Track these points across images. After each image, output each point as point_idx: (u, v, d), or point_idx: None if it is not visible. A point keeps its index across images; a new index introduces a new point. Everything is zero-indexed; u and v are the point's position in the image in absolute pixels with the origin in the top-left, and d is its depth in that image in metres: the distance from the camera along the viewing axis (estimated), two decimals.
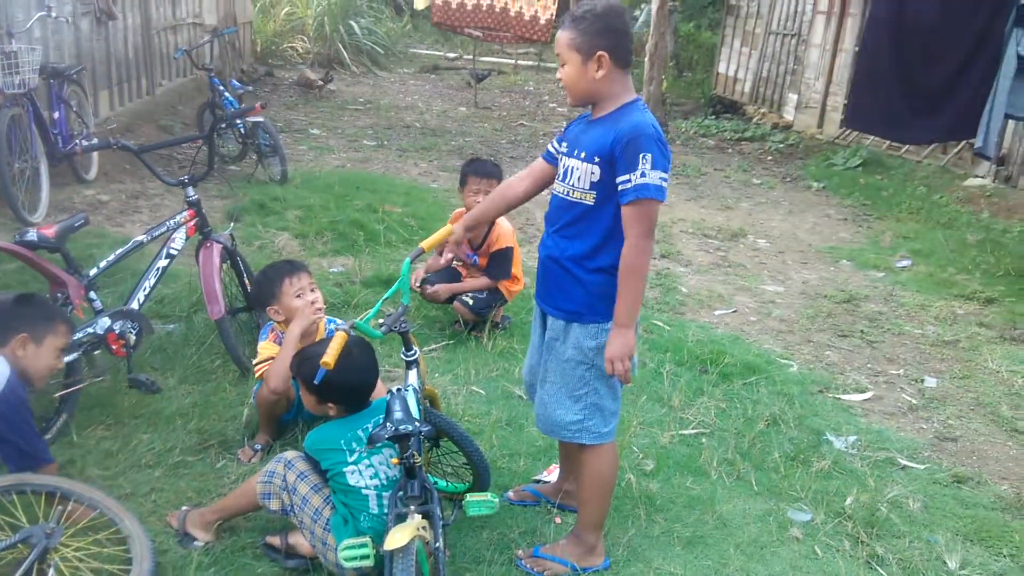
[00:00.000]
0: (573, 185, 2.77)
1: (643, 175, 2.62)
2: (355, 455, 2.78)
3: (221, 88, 8.05)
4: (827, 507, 3.50)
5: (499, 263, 4.82)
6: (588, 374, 2.83)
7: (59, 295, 3.47)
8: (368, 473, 2.78)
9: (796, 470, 3.76)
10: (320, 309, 3.54)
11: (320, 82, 12.68)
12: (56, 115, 6.39)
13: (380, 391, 3.22)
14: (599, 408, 2.88)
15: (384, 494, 2.76)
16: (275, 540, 2.90)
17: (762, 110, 13.20)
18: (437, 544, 2.51)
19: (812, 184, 9.50)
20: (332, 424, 2.89)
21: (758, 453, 3.87)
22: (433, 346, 4.66)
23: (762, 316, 5.66)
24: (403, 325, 2.94)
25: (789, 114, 12.51)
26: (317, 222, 6.31)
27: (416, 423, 2.52)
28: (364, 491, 2.76)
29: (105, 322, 3.56)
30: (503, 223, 4.88)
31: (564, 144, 2.87)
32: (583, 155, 2.74)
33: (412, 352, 3.01)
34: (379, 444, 2.55)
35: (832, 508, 3.49)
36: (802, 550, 3.25)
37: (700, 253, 6.93)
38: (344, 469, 2.77)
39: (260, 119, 7.16)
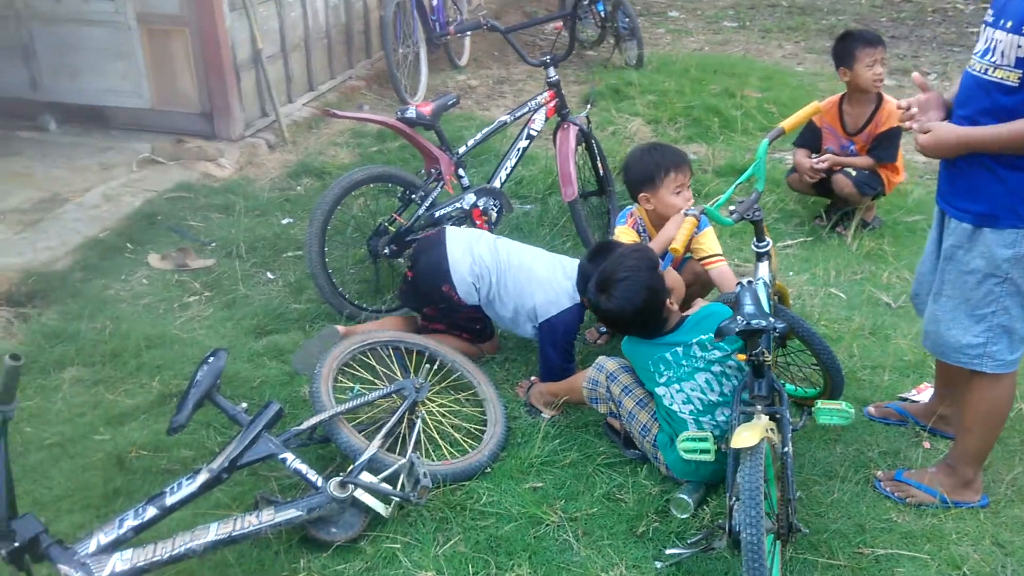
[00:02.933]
0: (994, 62, 2.28)
1: None
2: (664, 378, 2.65)
3: None
4: None
5: (885, 144, 4.30)
6: (998, 289, 2.38)
7: (432, 170, 3.72)
8: (680, 398, 2.64)
9: None
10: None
11: None
12: (435, 2, 6.81)
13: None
14: (1007, 331, 2.43)
15: (703, 419, 2.61)
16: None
17: None
18: (786, 448, 2.34)
19: None
20: (641, 341, 2.75)
21: None
22: (789, 242, 4.34)
23: None
24: (756, 213, 2.71)
25: None
26: (671, 107, 6.11)
27: (769, 319, 2.33)
28: (680, 415, 2.64)
29: (471, 198, 3.76)
30: (891, 101, 4.31)
31: (990, 12, 2.36)
32: (1010, 24, 2.23)
33: (764, 243, 2.78)
34: (727, 337, 2.41)
35: None
36: None
37: None
38: (655, 389, 2.67)
39: None
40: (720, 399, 2.62)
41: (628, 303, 2.66)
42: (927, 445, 2.91)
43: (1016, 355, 2.46)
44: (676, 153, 3.40)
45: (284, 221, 4.40)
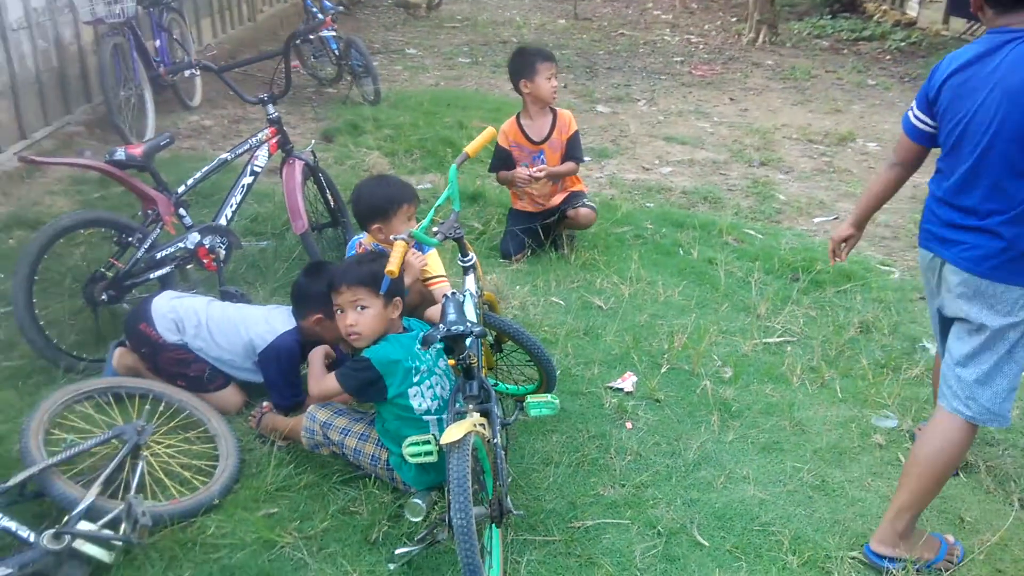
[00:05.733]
0: None
1: None
2: (419, 375, 2.78)
3: (314, 9, 8.11)
4: (916, 415, 3.36)
5: (577, 146, 4.70)
6: None
7: (150, 212, 3.65)
8: (429, 395, 2.78)
9: (885, 377, 3.61)
10: None
11: (423, 4, 12.67)
12: (157, 43, 6.62)
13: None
14: None
15: (444, 416, 2.77)
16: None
17: (883, 7, 12.30)
18: (495, 440, 2.56)
19: None
20: (393, 342, 2.83)
21: (846, 361, 3.73)
22: (516, 256, 4.66)
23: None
24: (457, 231, 2.95)
25: (912, 10, 11.61)
26: (406, 140, 6.36)
27: (468, 324, 2.54)
28: (425, 417, 2.77)
29: (195, 237, 3.72)
30: (563, 110, 4.72)
31: None
32: None
33: (468, 258, 3.02)
34: (432, 345, 2.60)
35: (922, 416, 3.35)
36: (885, 456, 3.15)
37: (803, 159, 6.60)
38: (408, 390, 2.76)
39: (331, 33, 7.26)
40: (448, 397, 2.80)
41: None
42: (629, 425, 3.26)
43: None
44: (405, 186, 3.48)
45: None
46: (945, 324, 2.68)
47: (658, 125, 7.44)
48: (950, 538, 2.69)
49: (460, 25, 12.12)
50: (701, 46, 10.95)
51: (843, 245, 3.02)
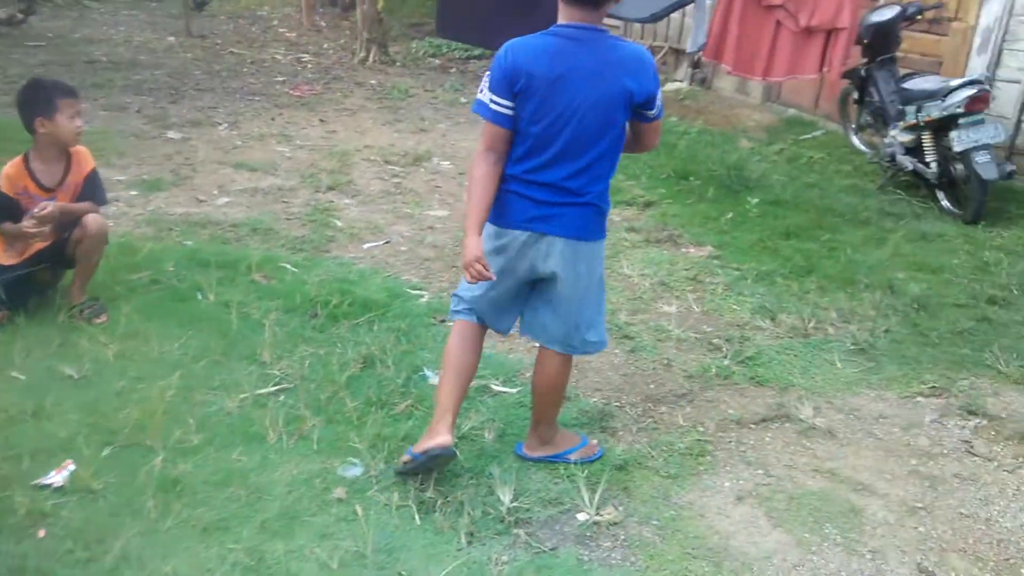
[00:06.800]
0: None
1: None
2: None
3: None
4: (389, 455, 3.15)
5: (97, 186, 4.15)
6: None
7: None
8: None
9: (371, 417, 3.39)
10: None
11: (6, 19, 11.13)
12: None
13: None
14: None
15: None
16: None
17: None
18: None
19: None
20: None
21: (335, 404, 3.47)
22: None
23: (414, 244, 5.27)
24: None
25: None
26: None
27: None
28: None
29: None
30: (78, 148, 4.08)
31: None
32: None
33: None
34: None
35: (395, 456, 3.13)
36: (341, 512, 2.88)
37: (375, 182, 6.43)
38: None
39: None
40: None
41: None
42: (42, 533, 2.68)
43: None
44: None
45: None
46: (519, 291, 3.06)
47: (232, 151, 6.91)
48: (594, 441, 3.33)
49: (45, 44, 10.75)
50: (310, 65, 10.62)
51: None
